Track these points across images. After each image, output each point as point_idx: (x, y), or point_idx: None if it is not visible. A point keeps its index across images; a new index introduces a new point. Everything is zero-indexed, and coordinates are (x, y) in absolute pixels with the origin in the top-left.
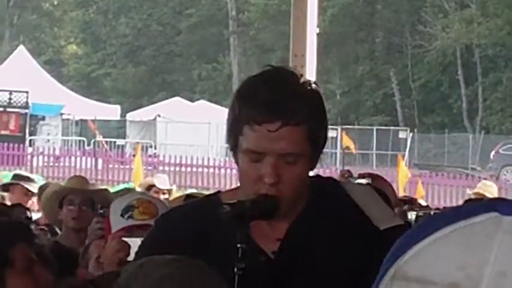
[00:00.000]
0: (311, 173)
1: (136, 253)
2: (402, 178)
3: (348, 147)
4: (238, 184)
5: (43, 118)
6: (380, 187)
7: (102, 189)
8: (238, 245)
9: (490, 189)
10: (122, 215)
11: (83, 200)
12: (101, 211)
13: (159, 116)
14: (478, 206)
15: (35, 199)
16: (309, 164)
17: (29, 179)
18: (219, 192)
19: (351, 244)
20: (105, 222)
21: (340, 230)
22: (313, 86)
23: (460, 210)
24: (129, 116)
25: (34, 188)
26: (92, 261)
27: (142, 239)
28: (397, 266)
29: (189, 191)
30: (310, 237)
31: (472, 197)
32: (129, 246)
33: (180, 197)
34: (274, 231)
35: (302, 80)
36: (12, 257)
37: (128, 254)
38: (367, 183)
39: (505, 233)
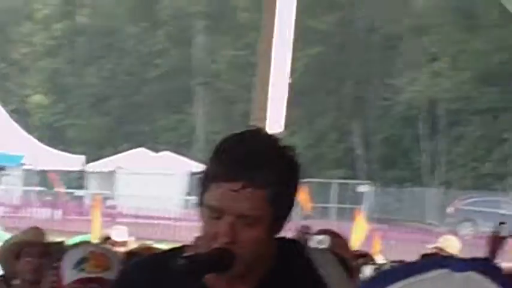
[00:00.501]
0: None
1: None
2: (358, 233)
3: (302, 203)
4: None
5: (3, 168)
6: (338, 244)
7: (59, 242)
8: None
9: (452, 244)
10: (74, 267)
11: (40, 253)
12: (55, 264)
13: (119, 167)
14: (430, 262)
15: None
16: (270, 228)
17: None
18: (185, 246)
19: None
20: (58, 274)
21: None
22: (288, 151)
23: (412, 266)
24: (90, 166)
25: None
26: None
27: None
28: None
29: (147, 243)
30: None
31: (433, 251)
32: None
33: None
34: None
35: (277, 144)
36: None
37: None
38: (327, 249)
39: None
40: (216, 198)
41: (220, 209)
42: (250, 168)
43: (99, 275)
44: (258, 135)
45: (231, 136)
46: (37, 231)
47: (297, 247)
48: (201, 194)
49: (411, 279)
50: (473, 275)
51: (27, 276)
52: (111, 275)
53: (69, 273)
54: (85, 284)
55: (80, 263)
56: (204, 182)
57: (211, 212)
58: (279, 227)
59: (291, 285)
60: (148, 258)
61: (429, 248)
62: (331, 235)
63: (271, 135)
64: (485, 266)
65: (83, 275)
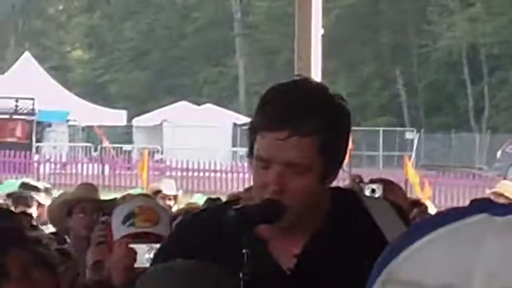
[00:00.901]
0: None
1: (153, 260)
2: (414, 179)
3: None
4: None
5: (49, 125)
6: (392, 192)
7: (111, 199)
8: (244, 251)
9: (510, 189)
10: (123, 222)
11: (93, 209)
12: (103, 218)
13: (165, 120)
14: (470, 208)
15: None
16: (321, 176)
17: (36, 189)
18: (238, 198)
19: (368, 263)
20: (107, 229)
21: (358, 248)
22: (337, 99)
23: (451, 213)
24: (136, 121)
25: (41, 197)
26: (89, 267)
27: (148, 244)
28: (389, 269)
29: (196, 195)
30: (327, 254)
31: (491, 196)
32: (135, 252)
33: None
34: (291, 246)
35: (324, 92)
36: (6, 265)
37: (135, 260)
38: (384, 198)
39: (495, 234)
40: (263, 148)
41: (268, 159)
42: (295, 116)
43: (149, 229)
44: (305, 84)
45: (277, 86)
46: (90, 187)
47: (352, 196)
48: (250, 145)
49: (451, 226)
50: None
51: (81, 232)
52: (160, 229)
53: (119, 228)
54: (135, 239)
55: (129, 218)
56: (252, 133)
57: (260, 162)
58: (331, 176)
59: (346, 234)
60: (203, 213)
61: (488, 193)
62: (385, 183)
63: (318, 84)
64: None
65: (133, 229)
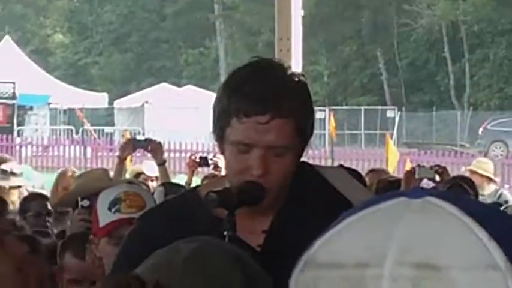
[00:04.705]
0: None
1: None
2: (392, 158)
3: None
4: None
5: (31, 108)
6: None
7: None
8: (225, 233)
9: (485, 166)
10: (109, 209)
11: None
12: (82, 203)
13: (146, 102)
14: (389, 194)
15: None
16: (296, 156)
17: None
18: (196, 188)
19: None
20: (93, 215)
21: (325, 216)
22: (301, 78)
23: (370, 200)
24: (117, 103)
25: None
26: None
27: None
28: (307, 254)
29: (178, 176)
30: (296, 227)
31: (466, 174)
32: None
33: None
34: (258, 224)
35: (289, 72)
36: None
37: None
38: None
39: (411, 213)
40: (244, 133)
41: (249, 143)
42: (274, 99)
43: (134, 215)
44: (270, 65)
45: (243, 69)
46: (103, 172)
47: (309, 168)
48: (221, 130)
49: (369, 209)
50: (430, 199)
51: None
52: None
53: (104, 215)
54: (120, 225)
55: (115, 204)
56: (223, 118)
57: (239, 147)
58: (302, 155)
59: (311, 205)
60: (167, 202)
61: (463, 170)
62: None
63: (281, 64)
64: (445, 192)
65: (118, 216)
